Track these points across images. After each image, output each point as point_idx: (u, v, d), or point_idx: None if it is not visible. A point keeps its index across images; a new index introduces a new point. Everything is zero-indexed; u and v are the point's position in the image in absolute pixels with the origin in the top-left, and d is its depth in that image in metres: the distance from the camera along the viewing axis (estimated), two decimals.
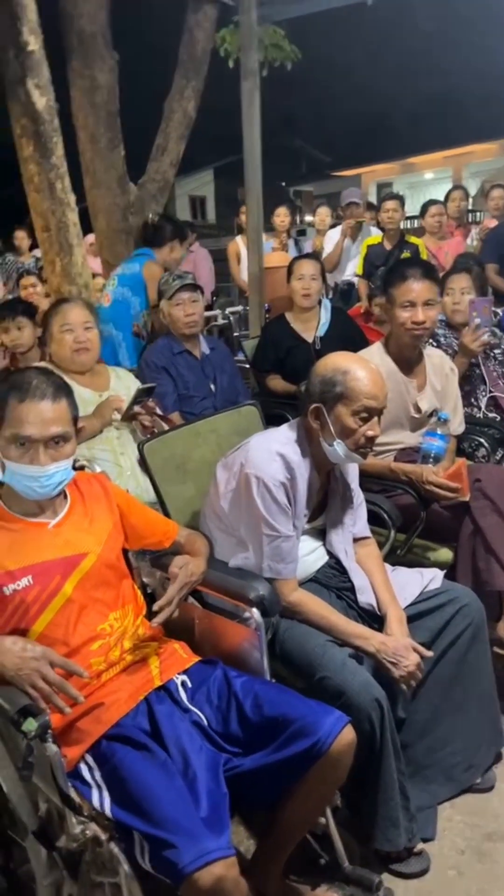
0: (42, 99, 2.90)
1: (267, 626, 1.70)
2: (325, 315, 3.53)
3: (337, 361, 1.85)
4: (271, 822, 1.54)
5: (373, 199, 9.73)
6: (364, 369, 1.82)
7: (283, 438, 1.88)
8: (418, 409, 2.58)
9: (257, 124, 4.10)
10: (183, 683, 1.57)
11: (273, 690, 1.55)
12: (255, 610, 1.68)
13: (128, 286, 3.51)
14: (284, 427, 1.95)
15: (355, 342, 3.30)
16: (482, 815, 1.91)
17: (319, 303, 3.53)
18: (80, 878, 1.38)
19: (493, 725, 2.03)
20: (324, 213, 6.49)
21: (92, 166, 3.65)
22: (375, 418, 1.83)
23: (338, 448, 1.82)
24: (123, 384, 2.63)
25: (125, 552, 1.75)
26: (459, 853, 1.80)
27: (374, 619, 1.92)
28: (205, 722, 1.50)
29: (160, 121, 3.98)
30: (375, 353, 2.58)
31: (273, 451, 1.82)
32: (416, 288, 2.45)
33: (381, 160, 20.22)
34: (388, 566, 2.09)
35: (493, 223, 5.33)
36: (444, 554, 2.42)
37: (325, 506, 2.01)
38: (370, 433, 1.82)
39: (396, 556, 2.37)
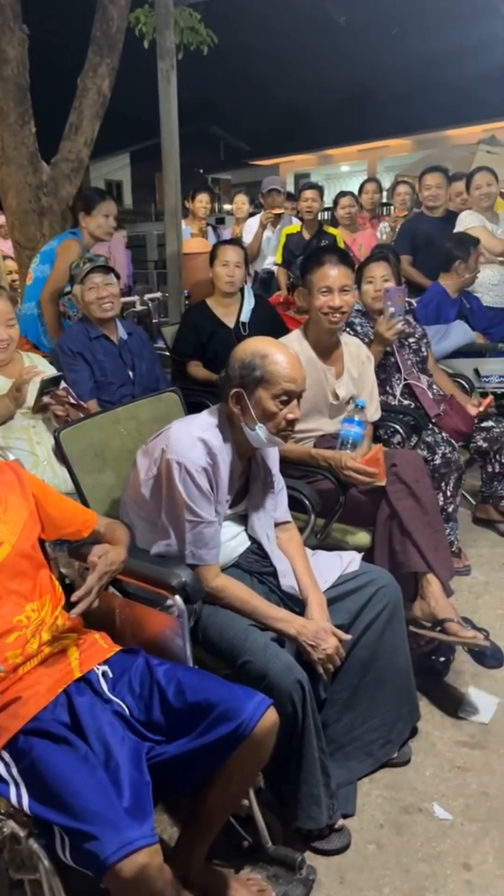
0: None
1: (189, 612, 1.69)
2: (248, 300, 3.52)
3: (255, 346, 1.86)
4: (195, 808, 1.54)
5: (291, 189, 9.77)
6: (282, 353, 1.83)
7: (204, 424, 1.87)
8: (336, 396, 2.62)
9: (174, 105, 4.05)
10: (104, 674, 1.54)
11: (196, 676, 1.54)
12: (177, 597, 1.67)
13: (48, 263, 3.41)
14: (205, 413, 1.94)
15: (276, 330, 3.32)
16: (399, 788, 1.98)
17: (242, 289, 3.52)
18: None
19: (409, 702, 2.09)
20: (241, 201, 6.49)
21: (1, 143, 3.50)
22: (295, 401, 1.85)
23: (259, 432, 1.82)
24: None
25: (42, 542, 1.69)
26: (378, 827, 1.86)
27: (296, 603, 1.94)
28: (126, 712, 1.48)
29: (73, 99, 3.86)
30: (294, 341, 2.60)
31: (194, 437, 1.80)
32: (333, 274, 2.48)
33: (299, 151, 20.39)
34: (308, 550, 2.12)
35: (403, 213, 5.46)
36: (363, 537, 2.47)
37: (246, 491, 2.02)
38: (290, 416, 1.84)
39: (317, 540, 2.41)
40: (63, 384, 2.53)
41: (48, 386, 2.42)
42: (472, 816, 1.87)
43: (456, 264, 3.91)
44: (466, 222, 4.35)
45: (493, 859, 1.75)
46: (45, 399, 2.42)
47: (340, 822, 1.81)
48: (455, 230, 4.32)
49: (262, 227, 5.29)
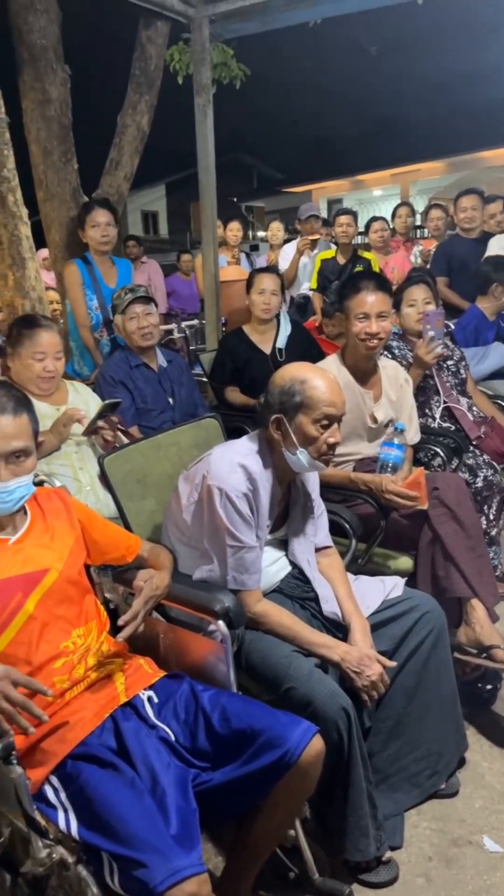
0: None
1: (233, 638, 1.69)
2: (285, 327, 3.56)
3: (294, 372, 1.87)
4: (241, 837, 1.52)
5: (325, 215, 9.87)
6: (321, 378, 1.85)
7: (244, 450, 1.89)
8: (375, 420, 2.62)
9: (211, 139, 4.13)
10: (149, 699, 1.54)
11: (240, 703, 1.54)
12: (220, 622, 1.67)
13: None
14: (245, 439, 1.95)
15: (312, 354, 3.34)
16: (448, 820, 1.93)
17: (278, 315, 3.56)
18: None
19: (455, 731, 2.05)
20: (277, 228, 6.57)
21: (45, 179, 3.61)
22: (335, 425, 1.86)
23: (301, 457, 1.83)
24: (81, 398, 2.61)
25: (87, 568, 1.72)
26: (427, 860, 1.81)
27: (339, 629, 1.93)
28: (172, 737, 1.48)
29: (114, 135, 3.97)
30: (332, 365, 2.61)
31: (235, 463, 1.82)
32: (370, 300, 2.49)
33: (331, 177, 20.58)
34: (350, 575, 2.11)
35: (433, 244, 5.47)
36: (405, 562, 2.45)
37: (286, 516, 2.02)
38: (331, 440, 1.85)
39: (358, 566, 2.39)
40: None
41: (106, 410, 2.48)
42: None
43: (493, 287, 3.89)
44: (501, 245, 4.34)
45: None
46: (100, 423, 2.47)
47: (388, 854, 1.77)
48: (488, 253, 4.31)
49: (300, 253, 5.34)
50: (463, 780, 2.05)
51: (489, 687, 2.37)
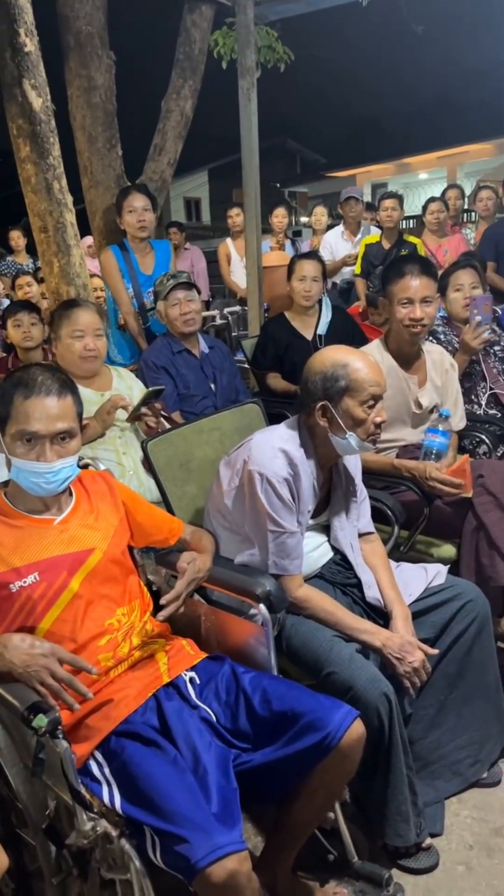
0: (38, 99, 2.88)
1: (274, 621, 1.70)
2: (326, 313, 3.53)
3: (333, 356, 1.85)
4: (281, 818, 1.54)
5: (368, 199, 9.73)
6: (361, 359, 1.84)
7: (284, 435, 1.88)
8: (419, 406, 2.58)
9: (254, 123, 4.11)
10: (191, 680, 1.56)
11: (281, 685, 1.55)
12: (261, 606, 1.68)
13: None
14: (284, 424, 1.95)
15: (355, 340, 3.30)
16: (489, 809, 1.91)
17: (320, 301, 3.53)
18: (90, 875, 1.37)
19: (498, 720, 2.02)
20: (321, 213, 6.51)
21: (90, 166, 3.65)
22: (380, 403, 1.85)
23: (351, 440, 1.83)
24: (125, 384, 2.63)
25: (130, 550, 1.74)
26: (468, 848, 1.80)
27: (380, 616, 1.92)
28: (213, 718, 1.50)
29: (157, 121, 3.98)
30: (375, 350, 2.58)
31: (276, 448, 1.82)
32: (414, 285, 2.45)
33: (376, 161, 20.26)
34: (392, 562, 2.09)
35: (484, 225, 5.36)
36: (448, 550, 2.42)
37: (328, 501, 2.01)
38: (378, 419, 1.84)
39: (400, 553, 2.37)
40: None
41: (150, 397, 2.49)
42: None
43: None
44: None
45: None
46: (143, 409, 2.48)
47: (428, 841, 1.77)
48: None
49: (343, 263, 5.38)
50: None
51: None
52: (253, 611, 1.71)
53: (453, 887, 1.69)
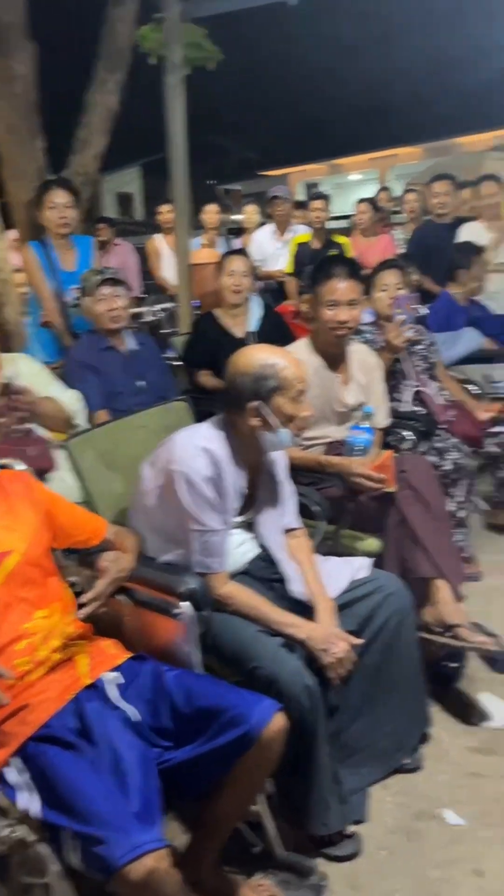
0: None
1: (198, 619, 1.70)
2: (256, 311, 3.55)
3: (258, 356, 1.86)
4: (204, 813, 1.55)
5: (303, 198, 9.83)
6: (285, 357, 1.87)
7: (208, 434, 1.89)
8: (344, 404, 2.63)
9: (182, 119, 4.08)
10: (113, 680, 1.55)
11: (205, 683, 1.56)
12: (186, 604, 1.68)
13: None
14: (207, 423, 1.95)
15: (284, 339, 3.33)
16: (411, 794, 1.97)
17: (250, 299, 3.54)
18: (9, 881, 1.35)
19: (419, 707, 2.09)
20: (251, 211, 6.53)
21: (10, 158, 3.56)
22: (304, 397, 1.89)
23: (283, 436, 1.86)
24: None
25: (52, 551, 1.71)
26: (390, 833, 1.85)
27: (305, 609, 1.94)
28: (135, 718, 1.49)
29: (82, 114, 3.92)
30: (302, 349, 2.62)
31: (198, 447, 1.82)
32: (341, 287, 2.50)
33: (309, 160, 20.45)
34: (318, 557, 2.13)
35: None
36: (373, 543, 2.47)
37: (254, 499, 2.03)
38: (305, 413, 1.88)
39: (327, 547, 2.41)
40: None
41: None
42: (485, 822, 1.86)
43: (460, 273, 3.92)
44: (468, 233, 4.37)
45: None
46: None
47: (352, 828, 1.81)
48: (458, 239, 4.34)
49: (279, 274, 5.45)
50: (427, 756, 2.08)
51: (454, 665, 2.41)
52: (177, 609, 1.71)
53: (376, 872, 1.74)
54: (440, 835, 1.83)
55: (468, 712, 2.28)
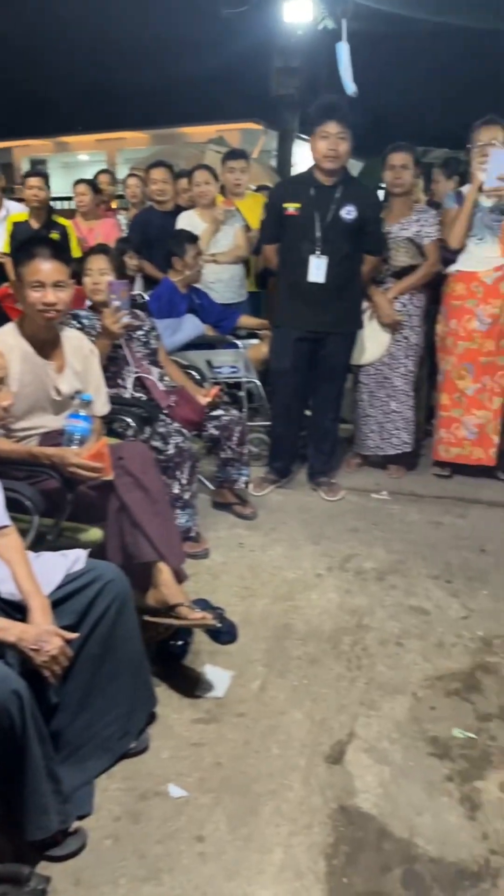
0: None
1: None
2: None
3: None
4: None
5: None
6: None
7: None
8: (59, 392, 2.55)
9: None
10: None
11: None
12: None
13: None
14: None
15: None
16: (137, 777, 1.99)
17: None
18: None
19: (144, 690, 2.12)
20: None
21: None
22: (4, 387, 1.78)
23: None
24: None
25: None
26: (115, 820, 1.85)
27: (18, 611, 1.86)
28: None
29: None
30: (9, 335, 2.47)
31: None
32: (45, 268, 2.40)
33: (34, 136, 19.50)
34: (31, 553, 2.04)
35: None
36: (95, 533, 2.44)
37: None
38: (5, 403, 1.77)
39: (48, 542, 2.33)
40: None
41: None
42: (205, 789, 1.95)
43: (174, 260, 4.03)
44: (184, 221, 4.51)
45: (225, 825, 1.84)
46: None
47: (76, 824, 1.78)
48: (176, 227, 4.45)
49: None
50: (153, 735, 2.12)
51: (181, 643, 2.50)
52: None
53: (100, 862, 1.73)
54: (163, 810, 1.88)
55: (193, 687, 2.37)
